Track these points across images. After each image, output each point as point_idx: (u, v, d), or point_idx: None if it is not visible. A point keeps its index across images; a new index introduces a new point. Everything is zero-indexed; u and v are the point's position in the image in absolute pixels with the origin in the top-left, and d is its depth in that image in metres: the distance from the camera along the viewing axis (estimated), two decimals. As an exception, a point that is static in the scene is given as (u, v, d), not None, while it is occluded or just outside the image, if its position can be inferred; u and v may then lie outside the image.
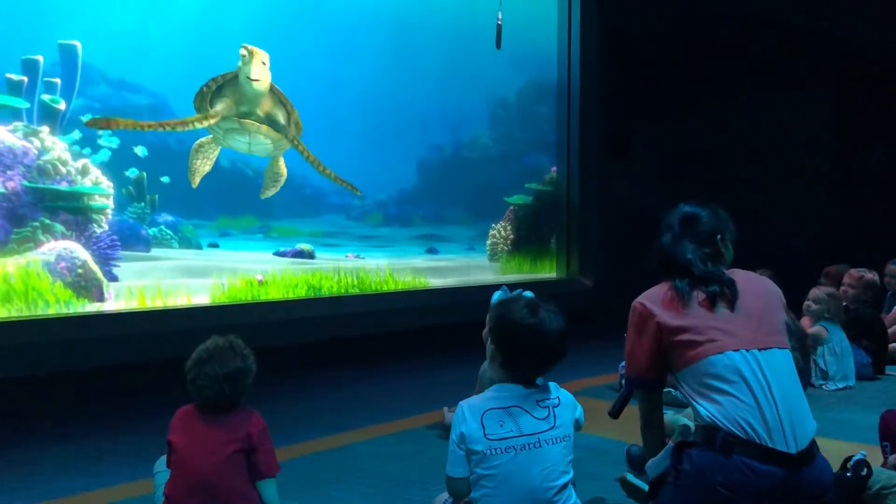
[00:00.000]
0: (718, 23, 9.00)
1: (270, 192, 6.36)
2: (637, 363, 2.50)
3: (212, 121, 5.75)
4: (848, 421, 4.47)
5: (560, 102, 8.74)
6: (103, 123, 5.35)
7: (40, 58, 5.16)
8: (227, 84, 5.84)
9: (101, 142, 5.46)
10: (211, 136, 5.98)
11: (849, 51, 8.79)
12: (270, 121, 6.00)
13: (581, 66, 8.63)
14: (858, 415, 4.60)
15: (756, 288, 2.48)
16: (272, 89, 6.01)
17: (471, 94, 7.90)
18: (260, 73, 5.77)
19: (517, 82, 8.43)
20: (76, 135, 5.36)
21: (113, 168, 5.52)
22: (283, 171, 6.39)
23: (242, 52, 5.74)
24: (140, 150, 5.63)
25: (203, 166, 5.88)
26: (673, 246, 2.52)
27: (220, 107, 5.77)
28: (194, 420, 2.54)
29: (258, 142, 6.10)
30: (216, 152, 6.03)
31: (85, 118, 5.31)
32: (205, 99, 5.81)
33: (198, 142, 5.93)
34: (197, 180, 5.89)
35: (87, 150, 5.40)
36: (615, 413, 2.72)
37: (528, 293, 3.81)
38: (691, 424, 2.62)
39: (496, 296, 3.98)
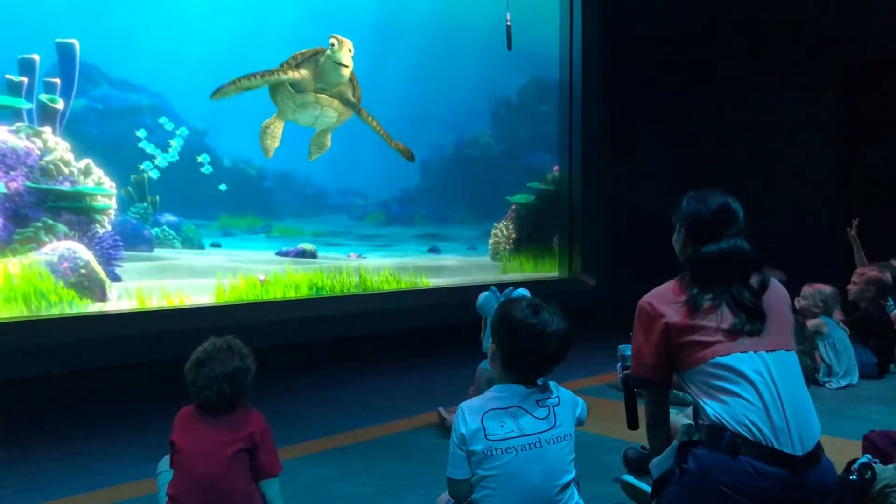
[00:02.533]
0: (721, 22, 8.99)
1: (315, 157, 6.73)
2: (644, 363, 2.48)
3: (296, 76, 6.28)
4: (849, 419, 4.47)
5: (562, 101, 8.73)
6: (228, 91, 6.02)
7: (36, 56, 5.16)
8: (307, 61, 6.38)
9: (171, 141, 5.80)
10: (277, 112, 6.39)
11: (853, 50, 8.77)
12: (342, 97, 6.59)
13: (583, 64, 8.62)
14: (860, 413, 4.61)
15: (769, 290, 2.46)
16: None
17: (472, 92, 7.89)
18: (348, 59, 6.35)
19: (519, 81, 8.43)
20: (142, 133, 5.65)
21: (178, 171, 5.85)
22: (328, 143, 6.77)
23: (332, 40, 6.25)
24: (202, 157, 5.98)
25: (273, 143, 6.39)
26: (729, 261, 2.43)
27: (303, 72, 6.31)
28: (195, 421, 2.55)
29: (326, 115, 6.57)
30: (280, 128, 6.44)
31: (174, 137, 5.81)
32: (284, 70, 6.32)
33: (264, 124, 6.35)
34: (270, 154, 6.39)
35: (158, 151, 5.75)
36: (633, 423, 2.69)
37: (522, 290, 3.82)
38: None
39: (483, 297, 3.98)
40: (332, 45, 6.27)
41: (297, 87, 6.36)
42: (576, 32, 8.64)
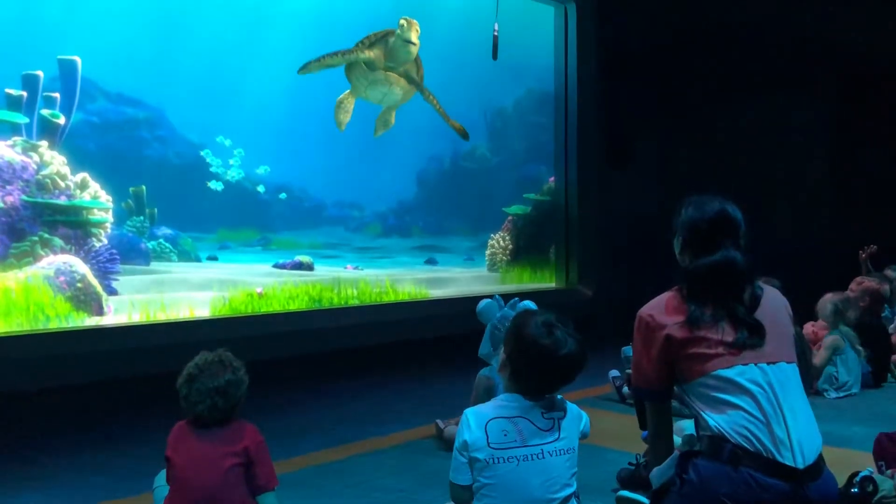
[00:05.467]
0: (716, 30, 9.02)
1: (380, 133, 7.25)
2: (645, 374, 2.46)
3: (369, 54, 6.79)
4: (848, 429, 4.46)
5: (557, 112, 8.76)
6: (313, 67, 6.56)
7: (40, 73, 5.18)
8: (378, 41, 6.87)
9: (231, 160, 6.17)
10: (350, 89, 6.89)
11: (848, 56, 8.80)
12: (407, 75, 7.04)
13: (578, 75, 8.64)
14: (858, 424, 4.60)
15: (764, 301, 2.45)
16: None
17: (469, 104, 7.91)
18: (415, 38, 6.76)
19: (515, 93, 8.46)
20: (206, 153, 6.03)
21: (240, 188, 6.21)
22: (392, 120, 7.24)
23: (402, 21, 6.67)
24: (263, 170, 6.33)
25: (345, 117, 6.88)
26: (736, 272, 2.41)
27: (375, 52, 6.82)
28: (190, 436, 2.54)
29: (393, 92, 7.02)
30: (352, 104, 6.92)
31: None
32: (360, 50, 6.85)
33: (338, 99, 6.86)
34: (343, 128, 6.87)
35: (224, 169, 6.15)
36: (645, 424, 2.69)
37: (528, 303, 3.81)
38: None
39: (484, 303, 3.97)
40: (402, 25, 6.66)
41: (369, 65, 6.82)
42: (570, 43, 8.68)
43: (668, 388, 2.47)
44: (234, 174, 6.16)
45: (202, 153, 6.07)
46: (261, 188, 6.41)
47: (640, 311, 2.48)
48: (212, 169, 6.13)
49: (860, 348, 5.43)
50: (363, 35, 6.89)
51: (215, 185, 6.10)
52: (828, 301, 5.43)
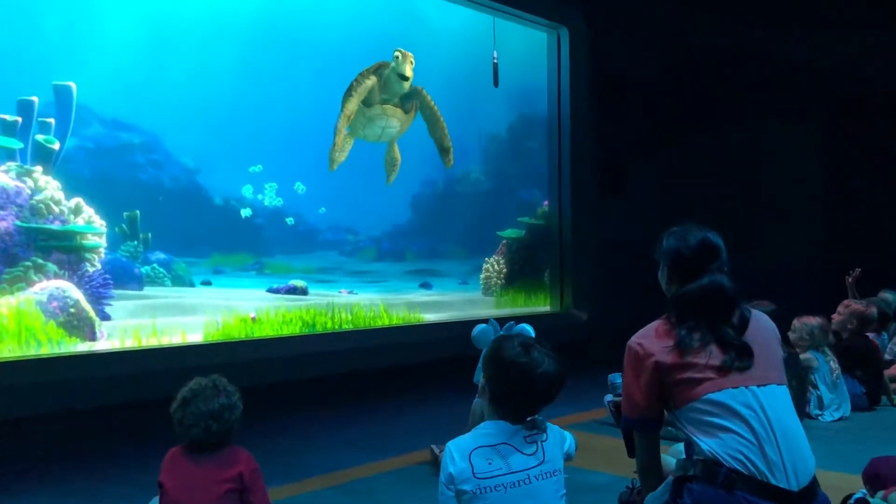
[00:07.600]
0: (710, 56, 9.13)
1: (393, 177, 7.29)
2: (636, 404, 2.46)
3: (348, 120, 6.75)
4: (841, 452, 4.46)
5: (551, 137, 8.81)
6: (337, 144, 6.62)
7: (35, 99, 5.20)
8: (371, 75, 6.86)
9: (266, 187, 6.34)
10: (349, 130, 6.88)
11: (840, 82, 8.91)
12: (403, 105, 7.08)
13: (571, 100, 8.70)
14: (851, 446, 4.59)
15: (752, 324, 2.47)
16: None
17: (463, 129, 7.95)
18: (410, 71, 6.82)
19: (508, 117, 8.51)
20: (247, 189, 6.28)
21: (274, 215, 6.39)
22: (398, 155, 7.25)
23: (396, 53, 6.73)
24: (299, 187, 6.52)
25: (341, 157, 6.83)
26: (718, 299, 2.44)
27: (370, 82, 6.80)
28: (184, 461, 2.53)
29: (391, 125, 7.06)
30: (350, 144, 6.90)
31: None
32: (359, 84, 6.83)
33: (335, 141, 6.80)
34: (334, 167, 6.79)
35: (259, 196, 6.35)
36: (633, 451, 2.72)
37: (525, 326, 3.81)
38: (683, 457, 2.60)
39: (479, 329, 3.98)
40: (397, 57, 6.71)
41: (365, 101, 6.83)
42: (563, 68, 8.74)
43: (658, 417, 2.47)
44: (270, 201, 6.30)
45: (243, 189, 6.25)
46: (290, 220, 6.52)
47: (630, 341, 2.50)
48: (248, 196, 6.29)
49: (835, 365, 5.45)
50: (359, 57, 6.94)
51: (245, 213, 6.21)
52: (814, 325, 5.44)
